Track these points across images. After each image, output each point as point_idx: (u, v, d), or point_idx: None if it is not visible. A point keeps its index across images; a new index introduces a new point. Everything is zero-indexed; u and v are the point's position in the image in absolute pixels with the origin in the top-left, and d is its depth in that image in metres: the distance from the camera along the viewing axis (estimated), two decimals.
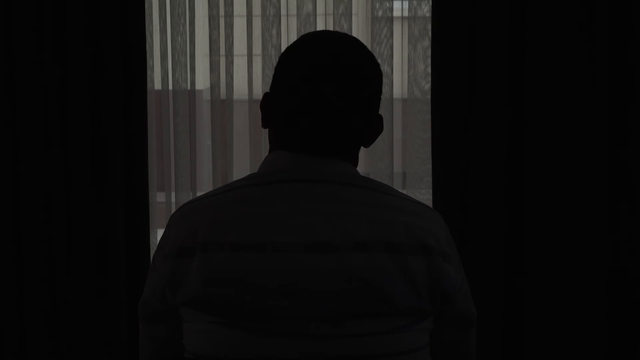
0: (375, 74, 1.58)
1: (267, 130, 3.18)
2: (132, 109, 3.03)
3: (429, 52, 3.12)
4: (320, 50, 1.56)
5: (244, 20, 10.36)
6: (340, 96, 1.54)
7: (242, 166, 10.18)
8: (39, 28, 3.01)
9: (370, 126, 1.59)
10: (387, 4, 3.12)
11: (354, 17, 10.41)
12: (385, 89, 3.14)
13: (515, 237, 2.99)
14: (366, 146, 1.63)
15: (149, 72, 3.17)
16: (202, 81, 9.80)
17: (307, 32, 3.14)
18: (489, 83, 2.93)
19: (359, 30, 10.35)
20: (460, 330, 1.59)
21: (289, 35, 3.92)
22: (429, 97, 3.13)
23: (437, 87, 2.96)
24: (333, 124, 1.55)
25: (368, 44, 10.34)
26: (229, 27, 3.16)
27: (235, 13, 10.31)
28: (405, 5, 3.29)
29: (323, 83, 1.54)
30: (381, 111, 3.16)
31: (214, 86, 3.18)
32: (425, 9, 3.12)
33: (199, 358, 1.50)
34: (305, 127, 1.55)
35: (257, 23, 9.46)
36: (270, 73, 3.15)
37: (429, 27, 3.12)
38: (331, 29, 9.88)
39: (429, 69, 3.12)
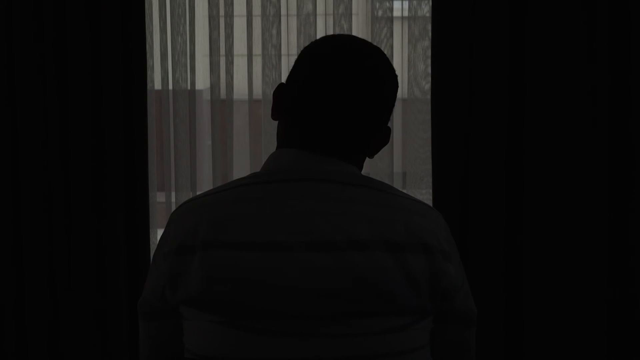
0: (392, 84, 1.58)
1: (266, 130, 3.18)
2: (132, 109, 3.03)
3: (429, 52, 3.12)
4: (341, 52, 1.56)
5: (244, 20, 10.36)
6: (353, 99, 1.54)
7: (242, 166, 10.18)
8: (39, 28, 3.01)
9: (377, 134, 1.59)
10: (387, 4, 3.12)
11: (354, 17, 10.42)
12: None
13: (515, 237, 2.99)
14: (371, 156, 1.63)
15: (149, 72, 3.17)
16: (202, 81, 9.80)
17: (307, 32, 3.15)
18: (489, 83, 2.94)
19: (359, 30, 10.36)
20: (461, 328, 1.59)
21: (289, 35, 3.92)
22: (429, 97, 3.13)
23: (437, 87, 2.96)
24: (340, 125, 1.55)
25: None
26: (229, 27, 3.16)
27: (235, 13, 10.31)
28: (405, 5, 3.29)
29: (337, 84, 1.54)
30: None
31: (214, 86, 3.18)
32: (425, 9, 3.12)
33: (199, 357, 1.50)
34: (312, 123, 1.55)
35: (257, 23, 9.46)
36: (270, 73, 3.15)
37: (429, 27, 3.12)
38: (331, 29, 9.88)
39: (429, 69, 3.12)
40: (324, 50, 1.57)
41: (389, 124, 3.50)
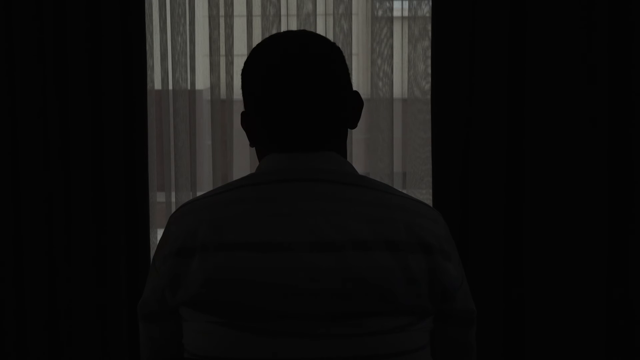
0: (337, 55, 1.59)
1: None
2: (132, 109, 3.03)
3: (429, 52, 3.12)
4: (272, 52, 1.57)
5: (244, 20, 10.36)
6: (306, 85, 1.54)
7: (242, 166, 10.18)
8: (39, 28, 3.01)
9: (347, 104, 1.60)
10: (387, 4, 3.12)
11: (354, 17, 10.41)
12: (385, 88, 3.14)
13: (515, 237, 2.99)
14: (352, 127, 1.63)
15: (149, 72, 3.17)
16: (202, 81, 9.80)
17: None
18: (489, 83, 2.94)
19: (359, 30, 10.35)
20: (461, 328, 1.59)
21: None
22: (429, 97, 3.13)
23: (437, 87, 2.96)
24: (309, 114, 1.55)
25: (368, 44, 10.34)
26: (229, 27, 3.16)
27: (235, 13, 10.30)
28: (405, 5, 3.29)
29: (287, 80, 1.54)
30: (381, 111, 3.16)
31: (214, 86, 3.18)
32: (425, 9, 3.12)
33: (198, 358, 1.50)
34: (288, 126, 1.55)
35: (257, 23, 9.46)
36: None
37: (429, 27, 3.12)
38: (331, 28, 9.88)
39: (429, 69, 3.12)
40: (258, 59, 1.57)
41: (389, 124, 3.47)
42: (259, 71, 1.56)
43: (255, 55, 1.59)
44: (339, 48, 1.61)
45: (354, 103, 1.61)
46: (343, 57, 1.61)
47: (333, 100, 1.56)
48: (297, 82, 1.54)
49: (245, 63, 1.61)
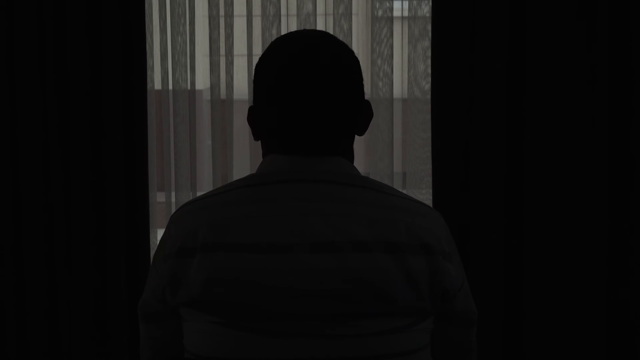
0: (352, 60, 1.58)
1: None
2: (132, 109, 3.03)
3: (429, 52, 3.12)
4: (292, 48, 1.56)
5: (244, 20, 10.36)
6: (322, 88, 1.54)
7: (242, 166, 10.18)
8: (39, 28, 3.01)
9: (359, 112, 1.59)
10: (387, 4, 3.12)
11: (354, 17, 10.41)
12: (385, 88, 3.14)
13: (515, 237, 2.99)
14: (360, 134, 1.63)
15: (149, 72, 3.17)
16: (202, 81, 9.80)
17: None
18: (489, 83, 2.94)
19: (359, 30, 10.35)
20: (461, 329, 1.59)
21: None
22: (429, 97, 3.13)
23: (437, 87, 2.96)
24: (320, 118, 1.54)
25: (368, 44, 10.34)
26: (229, 27, 3.16)
27: (235, 13, 10.30)
28: (405, 5, 3.29)
29: (301, 79, 1.54)
30: (381, 111, 3.16)
31: (214, 86, 3.18)
32: (425, 9, 3.12)
33: (199, 358, 1.50)
34: (295, 128, 1.55)
35: (257, 23, 9.46)
36: None
37: (429, 27, 3.12)
38: (331, 29, 9.87)
39: (429, 69, 3.12)
40: (276, 52, 1.57)
41: (389, 124, 3.48)
42: (272, 71, 1.56)
43: (270, 54, 1.58)
44: (356, 57, 1.60)
45: (366, 112, 1.61)
46: (358, 64, 1.60)
47: (342, 105, 1.56)
48: (307, 86, 1.54)
49: (260, 59, 1.60)
